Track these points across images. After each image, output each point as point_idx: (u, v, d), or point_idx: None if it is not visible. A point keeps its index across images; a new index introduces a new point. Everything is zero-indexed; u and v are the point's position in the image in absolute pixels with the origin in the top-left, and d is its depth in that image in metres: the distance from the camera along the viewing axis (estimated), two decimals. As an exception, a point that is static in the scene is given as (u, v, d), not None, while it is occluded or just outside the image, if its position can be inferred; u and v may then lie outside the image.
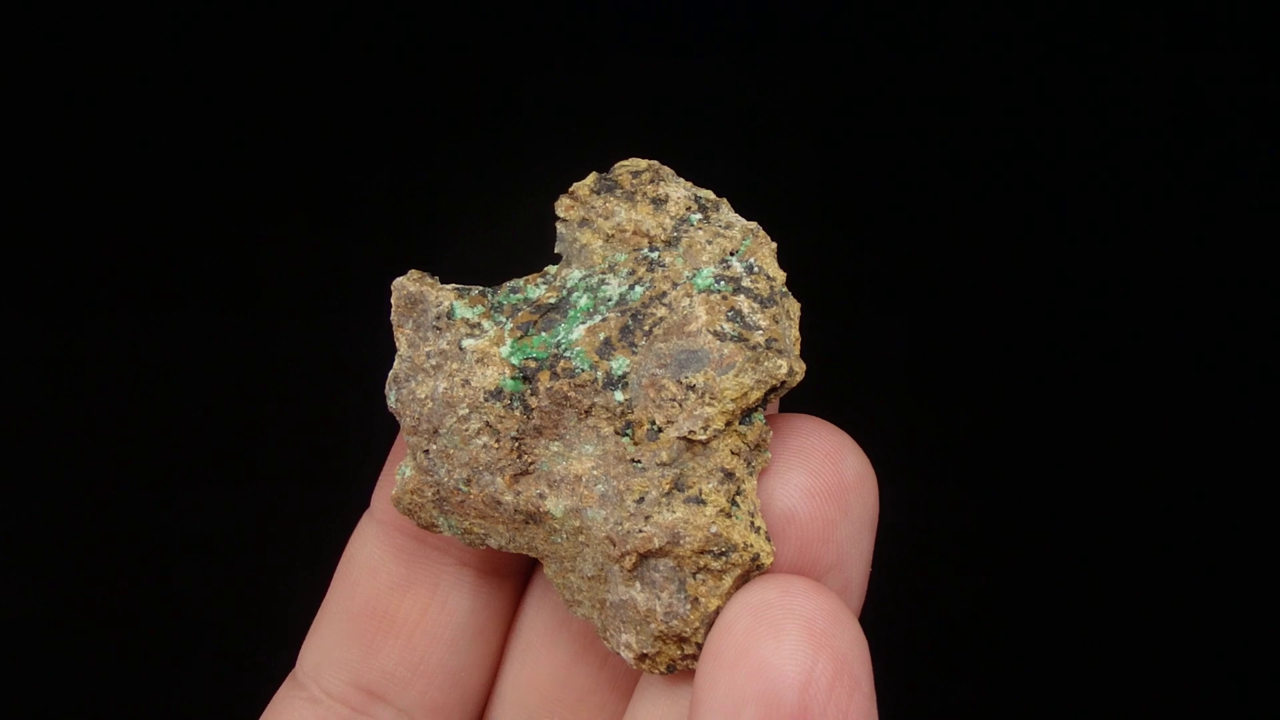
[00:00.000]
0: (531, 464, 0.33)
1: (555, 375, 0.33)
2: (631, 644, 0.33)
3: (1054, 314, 0.61)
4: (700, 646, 0.32)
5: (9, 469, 0.59)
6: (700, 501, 0.32)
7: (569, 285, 0.34)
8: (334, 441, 0.57)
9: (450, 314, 0.34)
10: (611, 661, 0.36)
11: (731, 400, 0.32)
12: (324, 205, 0.59)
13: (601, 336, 0.33)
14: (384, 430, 0.37)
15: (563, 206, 0.35)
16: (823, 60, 0.60)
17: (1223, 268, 0.60)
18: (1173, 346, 0.60)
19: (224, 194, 0.59)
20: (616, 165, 0.36)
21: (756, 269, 0.33)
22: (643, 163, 0.36)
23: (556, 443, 0.33)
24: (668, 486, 0.32)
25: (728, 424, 0.32)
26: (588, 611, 0.34)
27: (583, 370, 0.33)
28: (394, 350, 0.35)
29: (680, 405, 0.32)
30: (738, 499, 0.32)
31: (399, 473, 0.35)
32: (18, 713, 0.57)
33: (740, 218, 0.35)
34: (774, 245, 0.34)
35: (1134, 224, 0.60)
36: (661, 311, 0.33)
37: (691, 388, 0.32)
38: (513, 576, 0.38)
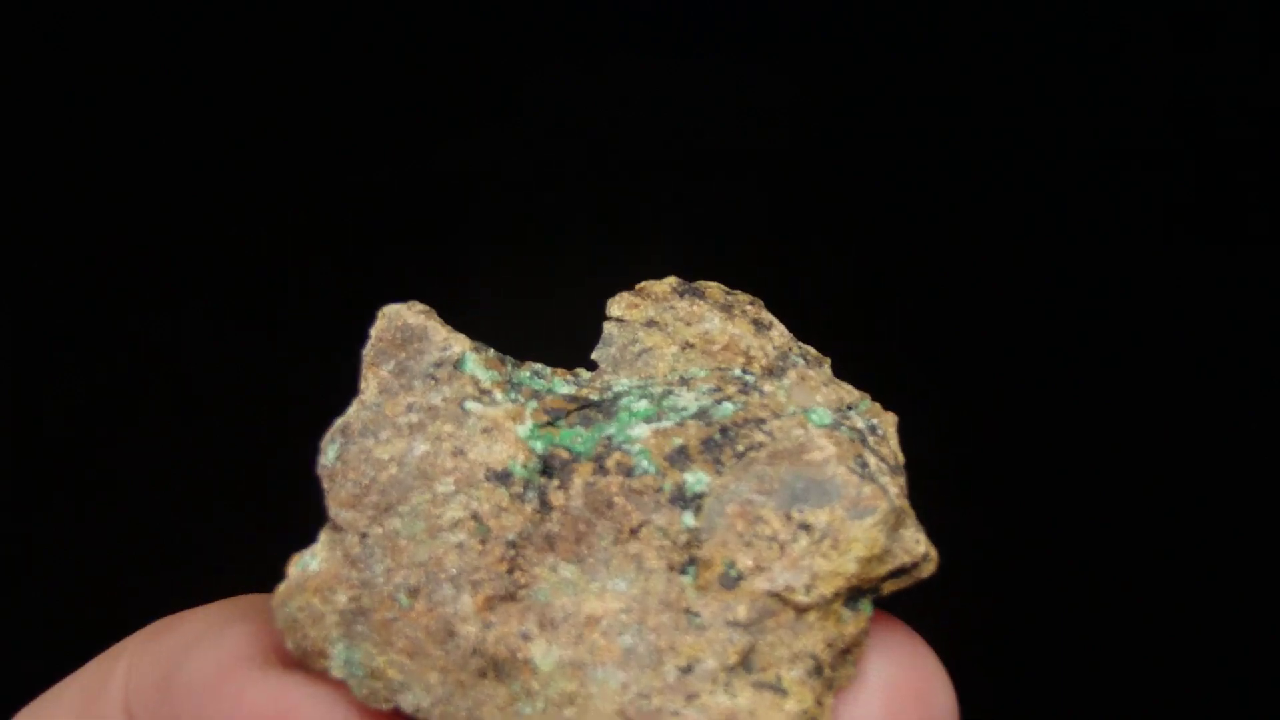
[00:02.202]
0: (523, 586, 0.24)
1: (602, 470, 0.24)
2: None
3: (1054, 315, 0.61)
4: None
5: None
6: (778, 690, 0.23)
7: (616, 389, 0.26)
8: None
9: (459, 364, 0.25)
10: None
11: (857, 559, 0.23)
12: (322, 205, 0.59)
13: (676, 442, 0.24)
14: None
15: (622, 304, 0.27)
16: (822, 60, 0.60)
17: (1223, 269, 0.60)
18: (1173, 348, 0.60)
19: (221, 193, 0.59)
20: (699, 283, 0.28)
21: (881, 433, 0.26)
22: (737, 292, 0.28)
23: (571, 565, 0.24)
24: (734, 658, 0.23)
25: (836, 596, 0.24)
26: None
27: (646, 471, 0.24)
28: (348, 393, 0.26)
29: (782, 548, 0.23)
30: (819, 709, 0.23)
31: (299, 564, 0.24)
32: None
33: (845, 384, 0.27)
34: (895, 418, 0.26)
35: (1134, 224, 0.60)
36: (761, 437, 0.25)
37: (806, 527, 0.23)
38: None
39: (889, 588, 0.24)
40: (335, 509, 0.24)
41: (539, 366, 0.26)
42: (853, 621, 0.24)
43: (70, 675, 0.28)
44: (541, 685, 0.23)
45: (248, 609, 0.26)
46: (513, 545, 0.24)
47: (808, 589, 0.23)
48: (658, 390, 0.26)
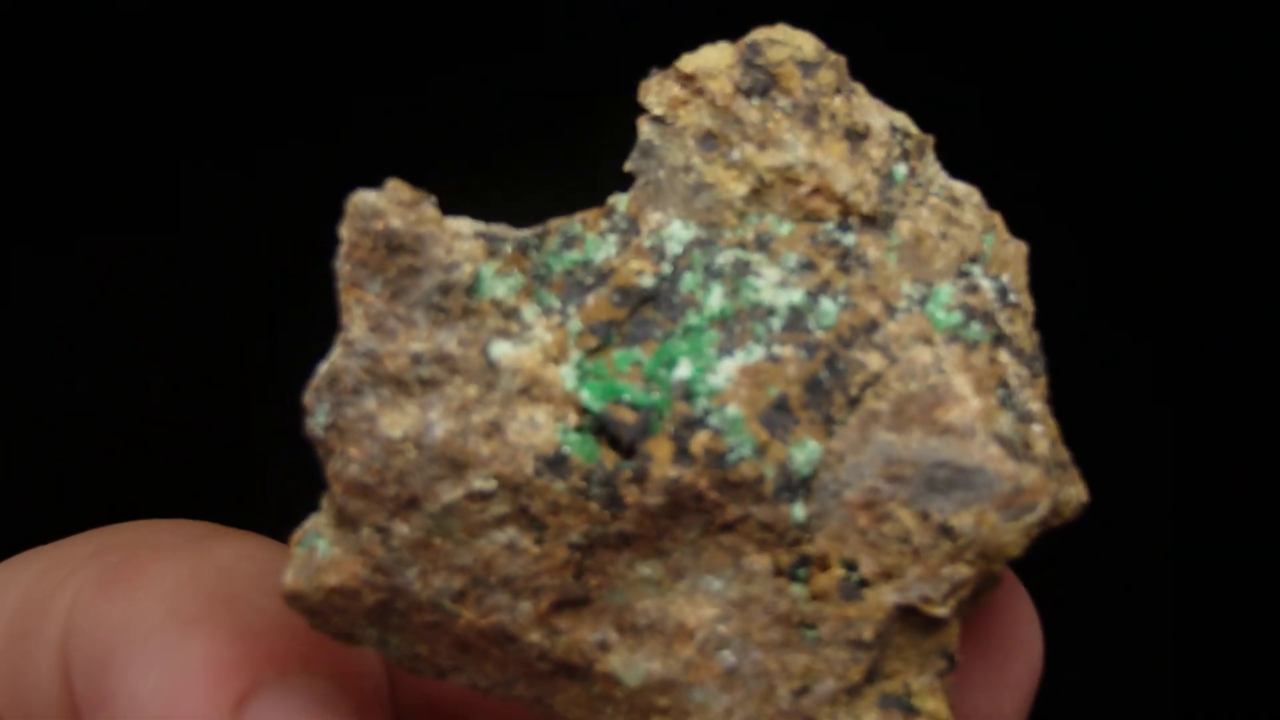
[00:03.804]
0: (596, 588, 0.19)
1: (685, 455, 0.19)
2: None
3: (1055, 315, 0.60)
4: None
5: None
6: (907, 709, 0.19)
7: (669, 250, 0.20)
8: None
9: (473, 289, 0.19)
10: None
11: (1004, 560, 0.19)
12: (323, 125, 0.58)
13: (773, 391, 0.19)
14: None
15: (664, 95, 0.20)
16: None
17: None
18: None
19: (216, 113, 0.57)
20: (761, 38, 0.21)
21: (1014, 298, 0.20)
22: (809, 43, 0.21)
23: (652, 561, 0.19)
24: (857, 678, 0.19)
25: (975, 595, 0.20)
26: None
27: (741, 457, 0.19)
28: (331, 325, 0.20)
29: (916, 554, 0.19)
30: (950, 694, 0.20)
31: (304, 541, 0.20)
32: None
33: (951, 180, 0.21)
34: (1025, 249, 0.21)
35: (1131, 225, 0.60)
36: (875, 361, 0.19)
37: (947, 531, 0.19)
38: None
39: None
40: (340, 494, 0.19)
41: (567, 224, 0.20)
42: (989, 593, 0.20)
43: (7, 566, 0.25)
44: (626, 696, 0.20)
45: (220, 589, 0.22)
46: (578, 548, 0.19)
47: (946, 599, 0.19)
48: (728, 260, 0.20)
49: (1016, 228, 0.22)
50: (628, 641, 0.19)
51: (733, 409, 0.19)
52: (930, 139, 0.21)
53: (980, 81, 0.56)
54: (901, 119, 0.21)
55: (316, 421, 0.19)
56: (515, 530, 0.19)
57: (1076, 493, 0.20)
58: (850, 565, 0.19)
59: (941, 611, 0.19)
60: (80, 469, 0.58)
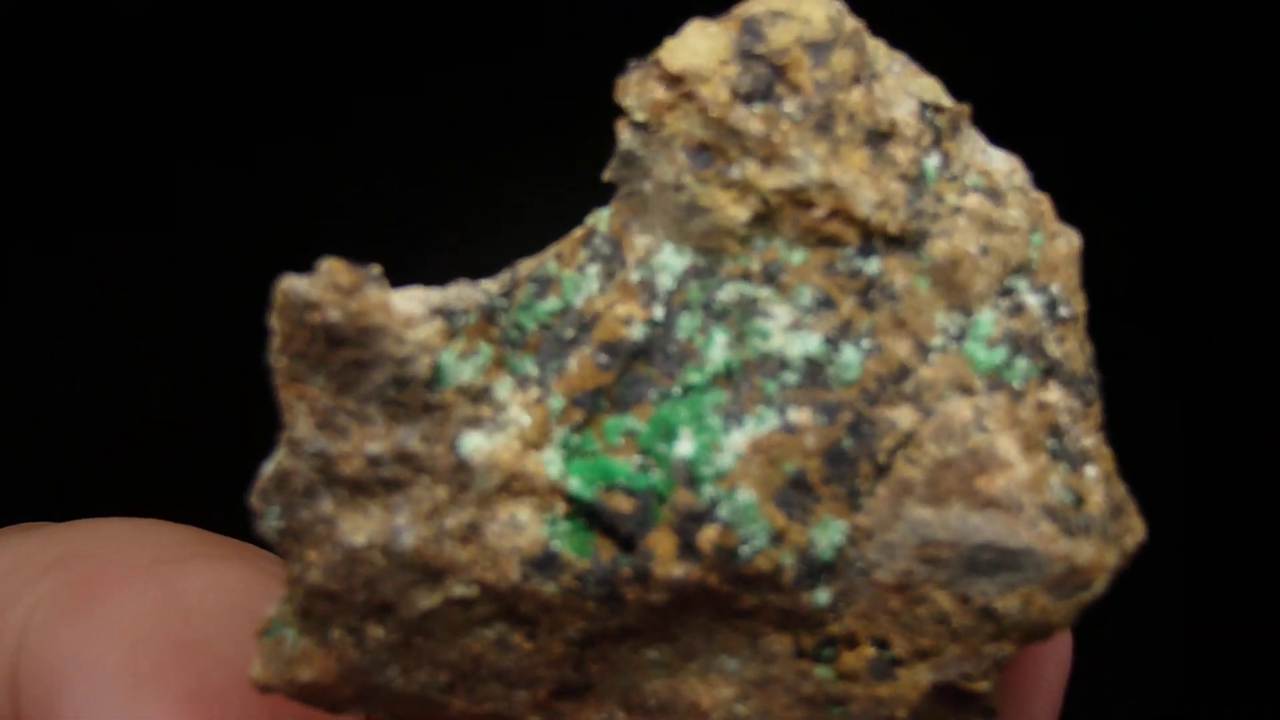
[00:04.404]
0: (598, 674, 0.17)
1: (693, 553, 0.16)
2: None
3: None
4: None
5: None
6: None
7: (661, 286, 0.17)
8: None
9: (434, 382, 0.16)
10: None
11: (1052, 635, 0.17)
12: (321, 129, 0.58)
13: (788, 468, 0.16)
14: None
15: (647, 97, 0.17)
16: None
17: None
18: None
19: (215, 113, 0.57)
20: (759, 9, 0.17)
21: (1065, 313, 0.17)
22: (818, 9, 0.17)
23: (659, 645, 0.17)
24: None
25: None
26: None
27: (755, 550, 0.16)
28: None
29: (954, 634, 0.17)
30: None
31: (270, 630, 0.18)
32: None
33: (1006, 159, 0.18)
34: (1076, 241, 0.18)
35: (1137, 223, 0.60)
36: (907, 418, 0.16)
37: (989, 613, 0.16)
38: None
39: None
40: (305, 599, 0.17)
41: (540, 268, 0.17)
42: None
43: None
44: None
45: (183, 633, 0.20)
46: (576, 644, 0.17)
47: (988, 674, 0.17)
48: (731, 296, 0.16)
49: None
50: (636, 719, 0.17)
51: (744, 493, 0.16)
52: (966, 109, 0.18)
53: (981, 73, 0.56)
54: (931, 89, 0.18)
55: (268, 524, 0.17)
56: (504, 627, 0.17)
57: (1134, 535, 0.17)
58: (881, 643, 0.17)
59: (983, 686, 0.17)
60: (80, 468, 0.58)
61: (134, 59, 0.59)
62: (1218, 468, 0.59)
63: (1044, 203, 0.18)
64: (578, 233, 0.18)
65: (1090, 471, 0.17)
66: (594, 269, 0.17)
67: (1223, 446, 0.59)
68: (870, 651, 0.17)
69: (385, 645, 0.17)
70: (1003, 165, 0.18)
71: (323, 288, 0.16)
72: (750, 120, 0.16)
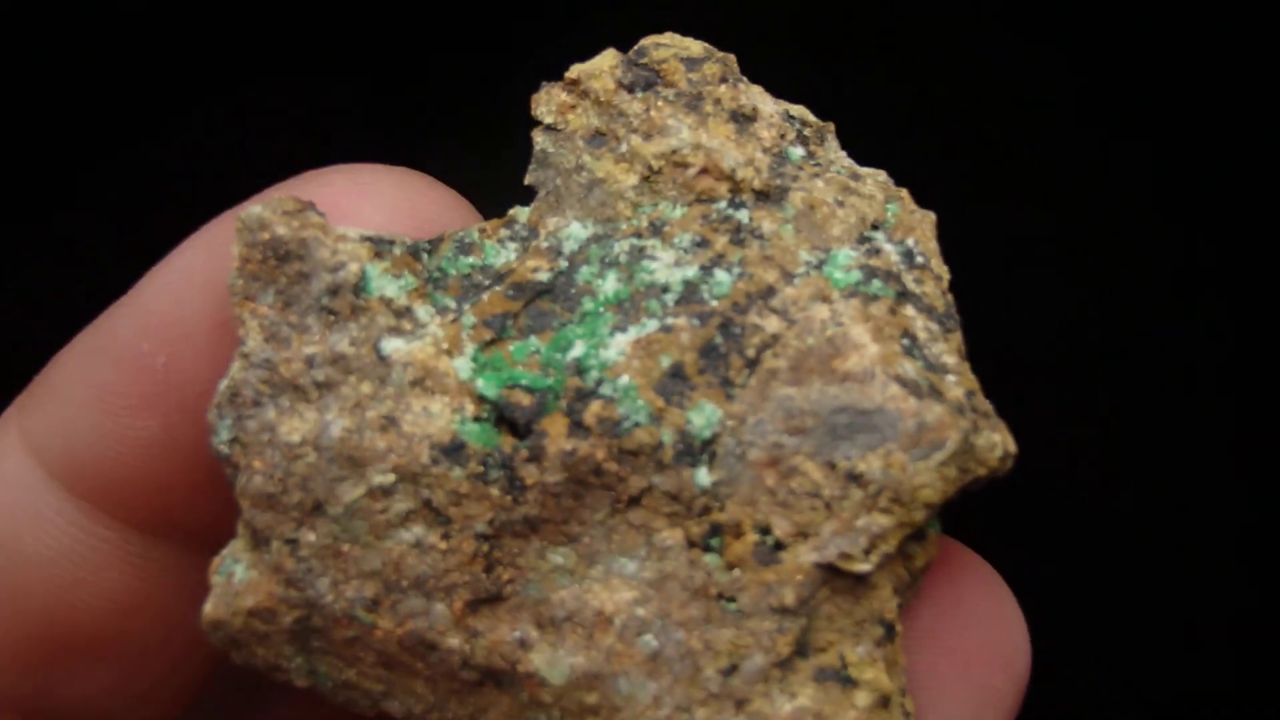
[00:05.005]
0: (509, 583, 0.19)
1: (580, 427, 0.18)
2: None
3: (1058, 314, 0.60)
4: None
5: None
6: (844, 680, 0.18)
7: (567, 248, 0.20)
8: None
9: (360, 288, 0.19)
10: None
11: (926, 505, 0.18)
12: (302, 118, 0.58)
13: (665, 361, 0.18)
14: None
15: (553, 104, 0.21)
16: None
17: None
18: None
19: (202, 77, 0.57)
20: (648, 43, 0.21)
21: (921, 259, 0.20)
22: (696, 45, 0.21)
23: (564, 549, 0.19)
24: (786, 650, 0.18)
25: (902, 544, 0.19)
26: None
27: (636, 424, 0.18)
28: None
29: (828, 506, 0.18)
30: (895, 670, 0.19)
31: (222, 569, 0.19)
32: None
33: (851, 161, 0.21)
34: (933, 217, 0.20)
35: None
36: (773, 323, 0.19)
37: (857, 477, 0.18)
38: None
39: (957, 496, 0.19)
40: (248, 509, 0.19)
41: (464, 233, 0.20)
42: (921, 553, 0.19)
43: None
44: (554, 698, 0.19)
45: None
46: (485, 538, 0.19)
47: (868, 553, 0.18)
48: (623, 249, 0.19)
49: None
50: (548, 637, 0.19)
51: (625, 379, 0.18)
52: (830, 125, 0.21)
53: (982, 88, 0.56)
54: (799, 109, 0.21)
55: (220, 439, 0.19)
56: (421, 528, 0.19)
57: (1001, 440, 0.19)
58: (764, 529, 0.19)
59: (864, 567, 0.18)
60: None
61: (134, 59, 0.59)
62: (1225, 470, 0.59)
63: (904, 192, 0.20)
64: (498, 220, 0.21)
65: (949, 378, 0.19)
66: (512, 245, 0.21)
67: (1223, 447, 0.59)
68: (754, 537, 0.19)
69: (317, 551, 0.19)
70: (866, 170, 0.21)
71: (273, 210, 0.19)
72: (633, 103, 0.20)
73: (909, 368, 0.18)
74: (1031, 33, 0.56)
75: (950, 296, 0.20)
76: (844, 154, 0.21)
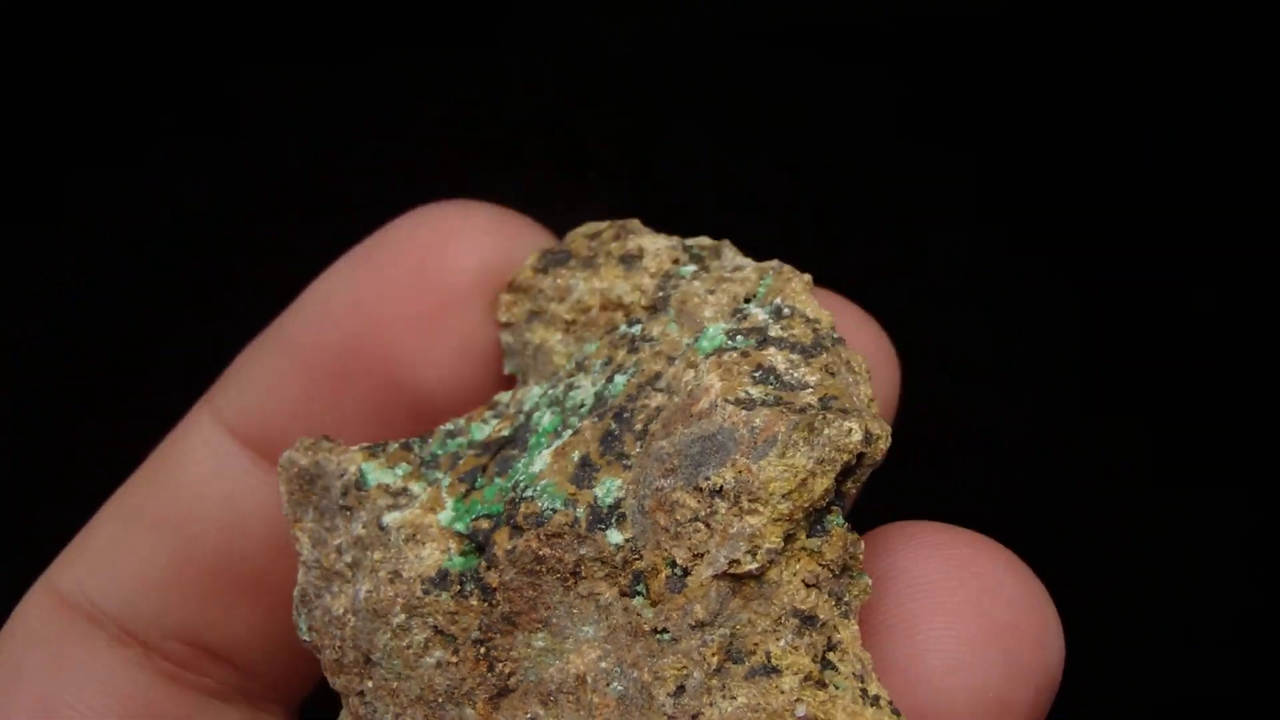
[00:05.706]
0: (511, 675, 0.22)
1: (516, 529, 0.22)
2: None
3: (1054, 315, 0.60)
4: None
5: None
6: (772, 670, 0.20)
7: (527, 407, 0.24)
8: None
9: (360, 483, 0.24)
10: None
11: (784, 496, 0.20)
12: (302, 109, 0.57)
13: (575, 456, 0.22)
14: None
15: (503, 306, 0.25)
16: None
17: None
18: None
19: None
20: (569, 235, 0.26)
21: (788, 311, 0.23)
22: (601, 223, 0.26)
23: (541, 633, 0.22)
24: (715, 659, 0.21)
25: (788, 538, 0.21)
26: None
27: (554, 510, 0.22)
28: None
29: (707, 525, 0.21)
30: (831, 655, 0.21)
31: None
32: None
33: (750, 260, 0.25)
34: (807, 278, 0.24)
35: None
36: (657, 399, 0.22)
37: (718, 492, 0.21)
38: None
39: (851, 487, 0.21)
40: (331, 680, 0.24)
41: (454, 422, 0.25)
42: (828, 546, 0.21)
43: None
44: None
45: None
46: (481, 642, 0.22)
47: (752, 553, 0.20)
48: (560, 390, 0.24)
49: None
50: (552, 710, 0.22)
51: (546, 480, 0.22)
52: (725, 241, 0.25)
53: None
54: (697, 239, 0.25)
55: (303, 633, 0.24)
56: (439, 650, 0.22)
57: (859, 427, 0.20)
58: (672, 563, 0.21)
59: (752, 566, 0.20)
60: (80, 470, 0.58)
61: (134, 58, 0.59)
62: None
63: (785, 266, 0.23)
64: (485, 405, 0.25)
65: (806, 391, 0.21)
66: (494, 421, 0.25)
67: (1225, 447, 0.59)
68: (666, 572, 0.21)
69: (375, 693, 0.23)
70: (752, 261, 0.24)
71: (298, 450, 0.25)
72: (546, 280, 0.25)
73: (753, 391, 0.22)
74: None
75: (826, 329, 0.22)
76: (739, 258, 0.25)
